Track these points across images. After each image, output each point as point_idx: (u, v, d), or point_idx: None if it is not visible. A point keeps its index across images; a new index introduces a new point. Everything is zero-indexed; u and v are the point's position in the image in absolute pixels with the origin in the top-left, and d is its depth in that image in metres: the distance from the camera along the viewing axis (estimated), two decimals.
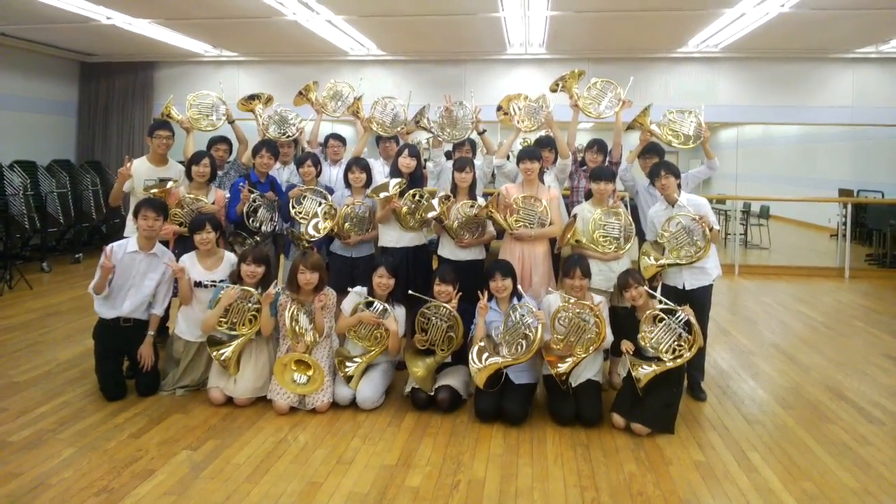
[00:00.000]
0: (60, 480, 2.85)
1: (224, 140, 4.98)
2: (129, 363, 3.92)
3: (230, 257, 4.00)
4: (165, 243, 4.15)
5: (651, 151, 4.41)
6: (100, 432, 3.35)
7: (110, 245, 3.79)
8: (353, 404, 3.71)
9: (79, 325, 5.11)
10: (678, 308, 3.44)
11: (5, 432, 3.31)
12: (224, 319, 3.68)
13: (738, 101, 8.83)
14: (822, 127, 11.61)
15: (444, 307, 3.70)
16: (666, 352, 3.40)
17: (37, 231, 7.53)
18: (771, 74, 8.76)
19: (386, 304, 3.79)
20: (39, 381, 4.03)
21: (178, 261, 3.93)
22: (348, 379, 3.71)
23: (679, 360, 3.39)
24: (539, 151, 4.24)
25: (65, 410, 3.61)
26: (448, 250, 4.20)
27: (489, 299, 3.66)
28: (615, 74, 5.06)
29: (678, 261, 3.78)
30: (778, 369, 4.57)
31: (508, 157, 4.76)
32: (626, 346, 3.51)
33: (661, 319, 3.45)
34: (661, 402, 3.41)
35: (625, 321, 3.65)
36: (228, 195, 4.45)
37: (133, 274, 3.80)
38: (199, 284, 3.87)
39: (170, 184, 4.19)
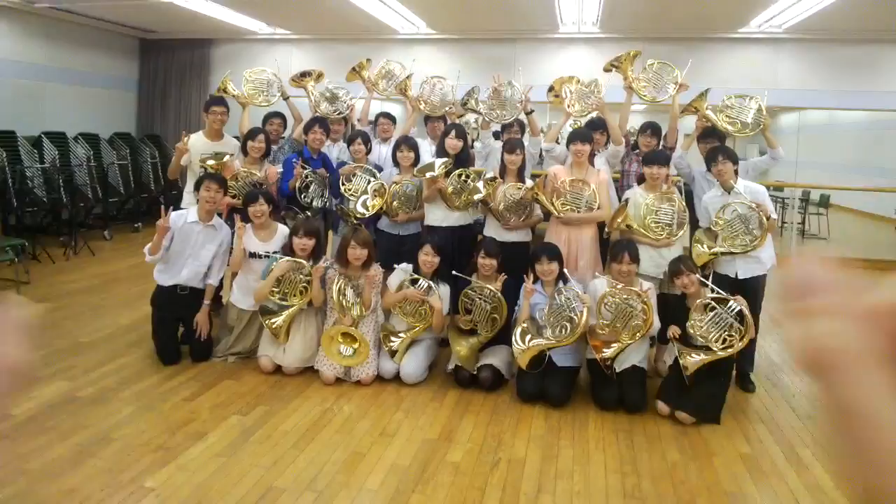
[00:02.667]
0: (122, 436, 3.01)
1: (278, 115, 5.07)
2: (183, 330, 4.08)
3: (283, 230, 4.11)
4: (219, 215, 4.28)
5: (710, 135, 4.26)
6: (156, 394, 3.51)
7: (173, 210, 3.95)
8: (396, 378, 3.78)
9: (138, 291, 5.33)
10: (730, 298, 3.36)
11: (74, 388, 3.52)
12: (276, 290, 3.79)
13: (800, 85, 8.45)
14: (890, 113, 11.03)
15: (489, 289, 3.71)
16: (716, 341, 3.34)
17: (99, 201, 7.85)
18: (837, 57, 8.35)
19: (430, 282, 3.83)
20: (102, 343, 4.24)
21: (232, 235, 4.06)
22: (393, 353, 3.78)
23: (730, 351, 3.33)
24: (590, 134, 4.17)
25: (125, 371, 3.79)
26: (494, 231, 4.20)
27: (535, 282, 3.65)
28: (672, 55, 4.93)
29: (732, 249, 3.68)
30: None
31: (557, 141, 4.70)
32: (673, 330, 3.46)
33: (713, 308, 3.38)
34: (708, 392, 3.36)
35: (675, 309, 3.59)
36: (281, 170, 4.54)
37: (191, 244, 3.94)
38: (253, 255, 3.99)
39: (226, 158, 4.31)
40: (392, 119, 5.25)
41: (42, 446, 2.89)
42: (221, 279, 4.20)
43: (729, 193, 3.77)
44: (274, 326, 3.78)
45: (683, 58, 4.54)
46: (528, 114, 4.62)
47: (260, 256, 3.97)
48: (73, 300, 5.18)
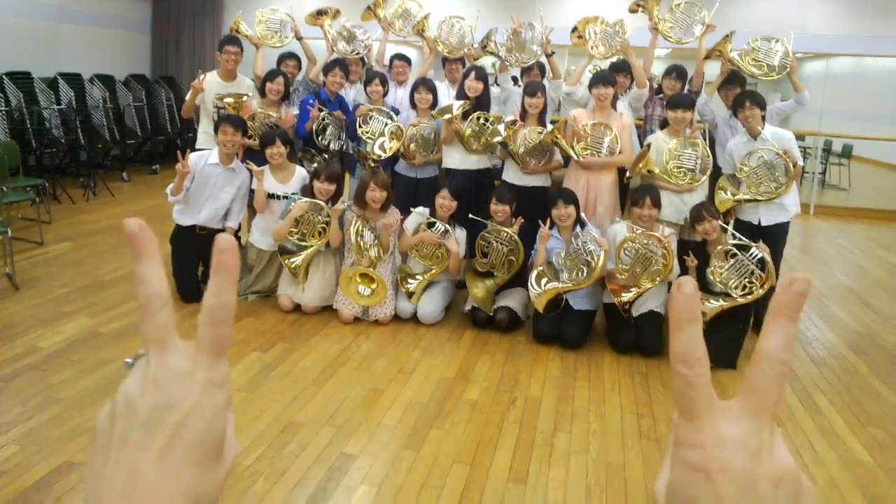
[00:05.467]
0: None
1: (293, 56, 4.97)
2: (203, 268, 4.13)
3: (301, 171, 4.09)
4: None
5: (733, 81, 4.15)
6: (179, 331, 3.57)
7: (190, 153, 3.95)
8: (413, 318, 3.83)
9: (157, 231, 5.18)
10: (752, 244, 3.33)
11: (97, 324, 3.59)
12: (295, 230, 3.81)
13: (829, 30, 8.14)
14: None
15: (505, 231, 3.70)
16: (736, 288, 3.32)
17: (116, 142, 7.85)
18: (867, 1, 8.01)
19: (447, 226, 3.82)
20: (123, 281, 4.31)
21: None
22: (410, 295, 3.81)
23: (749, 298, 3.31)
24: (613, 77, 4.06)
25: None
26: (513, 175, 4.16)
27: (551, 227, 3.63)
28: None
29: (757, 196, 3.63)
30: (852, 314, 4.41)
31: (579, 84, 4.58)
32: (690, 260, 3.43)
33: (734, 255, 3.35)
34: (726, 337, 3.36)
35: (695, 255, 3.56)
36: (297, 112, 4.49)
37: (210, 185, 3.94)
38: (271, 196, 3.99)
39: (244, 97, 4.26)
40: (407, 61, 5.12)
41: (70, 378, 2.97)
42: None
43: (756, 140, 3.68)
44: (293, 266, 3.81)
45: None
46: (548, 56, 4.49)
47: (278, 197, 3.97)
48: (94, 239, 5.24)
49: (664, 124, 4.07)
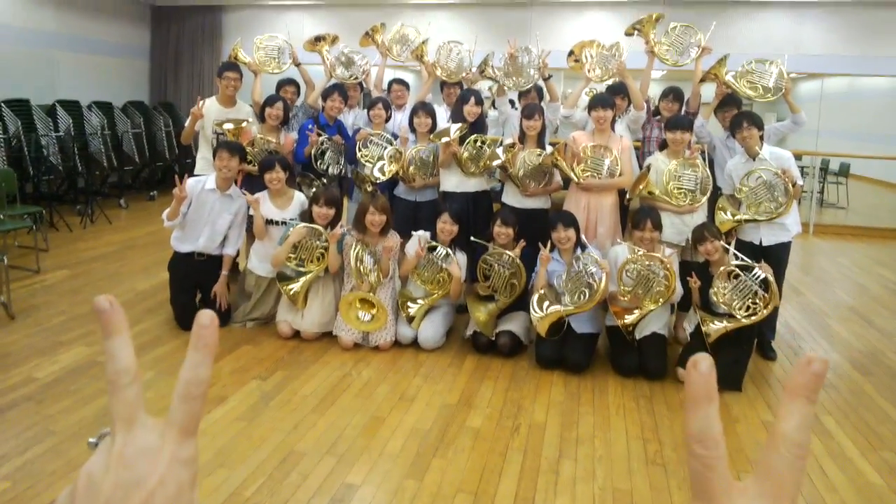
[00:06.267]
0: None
1: (292, 82, 5.00)
2: (201, 296, 4.09)
3: (300, 196, 4.08)
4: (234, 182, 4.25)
5: (729, 103, 4.17)
6: (176, 359, 3.53)
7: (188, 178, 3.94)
8: (414, 344, 3.78)
9: (155, 258, 5.34)
10: (755, 265, 3.31)
11: (95, 353, 3.54)
12: (293, 256, 3.78)
13: (824, 50, 8.24)
14: None
15: (507, 255, 3.68)
16: (740, 309, 3.29)
17: (114, 169, 7.85)
18: (862, 21, 8.11)
19: (448, 249, 3.80)
20: None
21: None
22: (410, 319, 3.77)
23: (754, 318, 3.28)
24: (612, 99, 4.08)
25: (144, 337, 3.81)
26: (512, 197, 4.15)
27: (551, 250, 3.61)
28: (695, 19, 4.78)
29: (756, 217, 3.62)
30: (854, 332, 4.38)
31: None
32: (693, 281, 3.40)
33: (737, 276, 3.32)
34: (730, 359, 3.33)
35: (698, 276, 3.54)
36: (297, 137, 4.50)
37: (208, 211, 3.92)
38: (270, 222, 3.97)
39: (244, 123, 4.27)
40: (406, 85, 5.16)
41: (67, 408, 2.92)
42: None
43: (754, 160, 3.69)
44: (292, 293, 3.78)
45: (707, 22, 4.41)
46: (545, 79, 4.52)
47: (277, 223, 3.95)
48: (91, 267, 5.21)
49: (662, 146, 4.08)
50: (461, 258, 3.87)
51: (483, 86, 5.06)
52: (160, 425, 0.36)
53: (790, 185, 3.54)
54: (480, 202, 4.31)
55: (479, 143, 4.14)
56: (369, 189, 4.16)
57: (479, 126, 4.29)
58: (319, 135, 4.34)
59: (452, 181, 4.23)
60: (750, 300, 3.29)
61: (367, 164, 4.25)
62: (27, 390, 3.07)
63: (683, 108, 4.43)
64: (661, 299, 3.38)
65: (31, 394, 3.05)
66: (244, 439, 2.74)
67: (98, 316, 0.37)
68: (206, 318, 0.36)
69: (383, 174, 4.17)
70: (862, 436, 2.95)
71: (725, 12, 8.11)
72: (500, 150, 3.99)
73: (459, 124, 4.12)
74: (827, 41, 8.23)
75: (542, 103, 4.73)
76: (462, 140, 4.10)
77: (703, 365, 0.34)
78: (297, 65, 5.01)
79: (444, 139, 4.04)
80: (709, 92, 4.37)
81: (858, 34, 8.15)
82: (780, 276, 3.66)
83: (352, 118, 4.98)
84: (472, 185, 4.22)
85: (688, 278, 3.43)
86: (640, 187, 3.79)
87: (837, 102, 13.90)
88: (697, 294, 3.43)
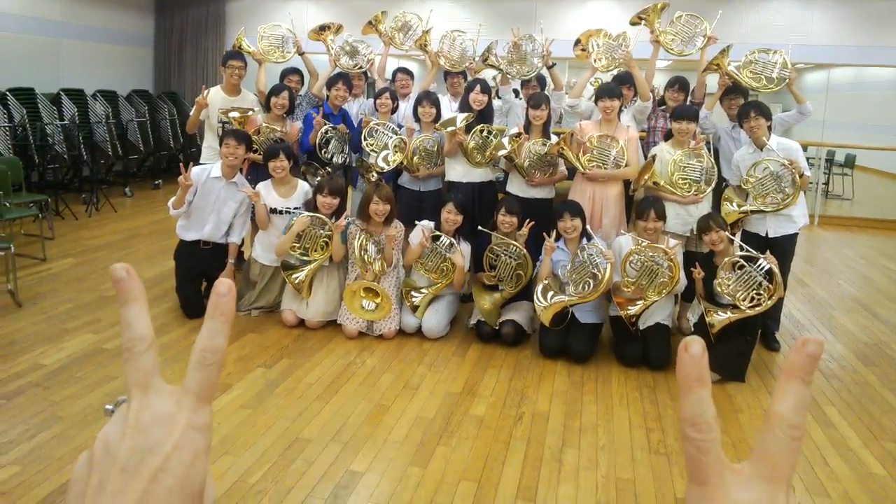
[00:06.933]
0: None
1: (296, 71, 4.98)
2: (206, 284, 4.11)
3: (304, 186, 4.09)
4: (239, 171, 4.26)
5: (735, 92, 4.14)
6: (182, 346, 3.56)
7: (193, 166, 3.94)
8: (418, 333, 3.80)
9: (160, 246, 5.36)
10: (760, 256, 3.30)
11: (101, 340, 3.57)
12: (297, 245, 3.79)
13: (831, 40, 8.17)
14: None
15: (514, 245, 3.68)
16: (744, 300, 3.29)
17: (119, 158, 7.86)
18: (870, 11, 8.04)
19: (453, 239, 3.80)
20: None
21: (252, 187, 4.04)
22: (414, 308, 3.78)
23: (758, 309, 3.28)
24: (619, 89, 4.06)
25: None
26: (517, 187, 4.14)
27: (557, 240, 3.61)
28: (701, 8, 4.75)
29: (763, 208, 3.60)
30: (859, 324, 4.37)
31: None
32: (697, 272, 3.40)
33: (742, 266, 3.32)
34: (734, 350, 3.33)
35: (702, 266, 3.54)
36: (302, 126, 4.49)
37: (213, 200, 3.93)
38: (274, 211, 3.98)
39: (250, 112, 4.27)
40: (410, 74, 5.13)
41: (73, 395, 2.94)
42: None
43: (761, 150, 3.67)
44: (296, 282, 3.79)
45: (713, 10, 4.38)
46: (549, 68, 4.50)
47: (281, 212, 3.96)
48: (97, 255, 5.23)
49: (668, 136, 4.06)
50: (465, 248, 3.87)
51: (487, 75, 5.04)
52: (176, 392, 0.36)
53: (797, 175, 3.53)
54: (486, 192, 4.30)
55: (485, 133, 4.12)
56: (374, 178, 4.16)
57: (485, 115, 4.27)
58: (323, 124, 4.34)
59: (458, 171, 4.23)
60: (754, 291, 3.29)
61: (371, 153, 4.25)
62: (34, 377, 3.10)
63: (689, 98, 4.40)
64: (664, 290, 3.38)
65: (39, 380, 3.07)
66: (249, 426, 2.76)
67: (114, 284, 0.37)
68: (223, 286, 0.36)
69: (388, 164, 4.17)
70: (865, 426, 2.96)
71: (731, 1, 8.05)
72: (505, 140, 3.98)
73: (465, 114, 4.11)
74: (834, 31, 8.16)
75: (545, 91, 4.72)
76: (468, 129, 4.09)
77: (693, 348, 0.34)
78: (301, 54, 4.99)
79: (450, 128, 4.03)
80: (713, 82, 4.35)
81: (866, 24, 8.08)
82: (785, 268, 3.65)
83: (357, 107, 4.98)
84: (478, 175, 4.22)
85: (692, 269, 3.43)
86: (646, 177, 3.78)
87: (844, 93, 13.81)
88: (701, 284, 3.43)
